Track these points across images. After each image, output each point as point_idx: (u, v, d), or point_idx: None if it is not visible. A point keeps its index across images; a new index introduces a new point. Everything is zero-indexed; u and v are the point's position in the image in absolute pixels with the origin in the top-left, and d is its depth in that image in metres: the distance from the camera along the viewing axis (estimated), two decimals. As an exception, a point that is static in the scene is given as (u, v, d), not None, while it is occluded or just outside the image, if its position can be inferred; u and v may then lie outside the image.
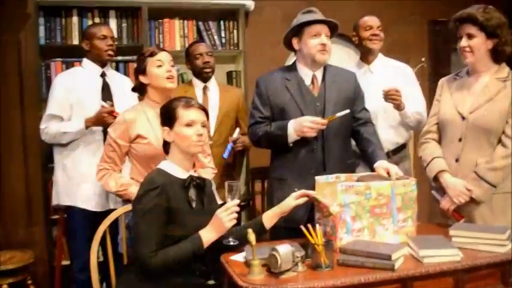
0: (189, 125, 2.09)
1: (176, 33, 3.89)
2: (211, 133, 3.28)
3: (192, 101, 2.15)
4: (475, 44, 2.45)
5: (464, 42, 2.47)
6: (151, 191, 1.98)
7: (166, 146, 2.18)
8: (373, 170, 2.58)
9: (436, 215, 2.67)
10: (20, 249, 3.61)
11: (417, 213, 2.36)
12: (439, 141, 2.65)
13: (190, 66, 3.43)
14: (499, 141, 2.45)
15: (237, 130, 3.29)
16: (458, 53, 2.55)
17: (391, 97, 2.96)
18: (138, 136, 2.46)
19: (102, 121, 2.87)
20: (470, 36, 2.45)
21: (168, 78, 2.50)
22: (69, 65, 3.57)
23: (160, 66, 2.50)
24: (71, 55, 3.59)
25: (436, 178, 2.56)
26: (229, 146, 3.21)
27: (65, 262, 3.53)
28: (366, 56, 3.29)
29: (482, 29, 2.42)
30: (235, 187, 2.04)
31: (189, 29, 3.91)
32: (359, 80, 2.87)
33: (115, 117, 2.71)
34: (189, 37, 3.90)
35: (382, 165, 2.50)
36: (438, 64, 4.72)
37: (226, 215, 2.01)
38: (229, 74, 4.07)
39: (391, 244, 2.14)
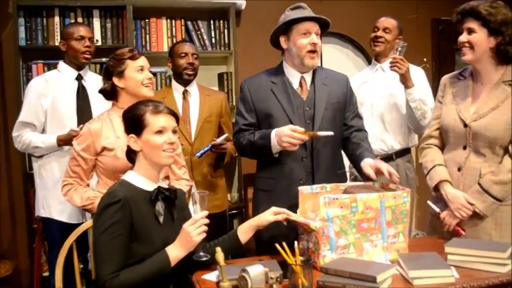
0: (159, 132, 1.91)
1: (164, 34, 3.73)
2: (192, 140, 3.09)
3: (160, 106, 1.97)
4: (475, 40, 2.22)
5: (463, 37, 2.26)
6: (111, 205, 1.80)
7: (131, 155, 2.00)
8: (362, 175, 2.37)
9: (438, 227, 2.44)
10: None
11: (418, 225, 2.16)
12: (442, 147, 2.45)
13: (172, 66, 3.18)
14: (506, 151, 2.24)
15: (224, 135, 3.08)
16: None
17: (396, 65, 2.89)
18: (104, 148, 2.29)
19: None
20: (470, 31, 2.23)
21: (148, 86, 2.35)
22: (51, 67, 3.44)
23: (141, 71, 2.34)
24: (53, 57, 3.43)
25: (436, 188, 2.35)
26: (206, 148, 3.02)
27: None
28: (375, 56, 3.30)
29: (485, 24, 2.20)
30: (203, 197, 1.85)
31: (177, 29, 3.75)
32: (371, 77, 2.74)
33: None
34: (177, 37, 3.73)
35: (369, 162, 2.30)
36: (442, 64, 4.52)
37: (194, 228, 1.82)
38: (220, 76, 3.90)
39: (378, 263, 1.93)
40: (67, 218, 2.86)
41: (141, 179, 1.93)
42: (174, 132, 1.95)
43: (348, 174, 2.75)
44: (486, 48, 2.23)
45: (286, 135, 2.28)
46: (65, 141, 2.78)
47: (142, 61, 2.36)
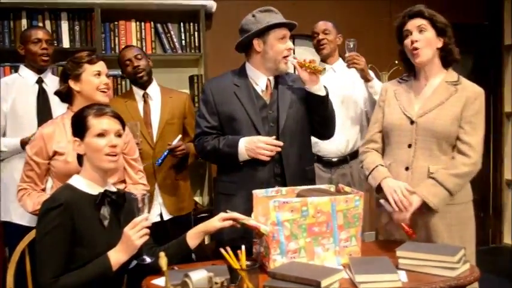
0: (100, 135, 1.89)
1: (133, 36, 3.71)
2: (154, 143, 3.04)
3: (105, 109, 1.95)
4: (427, 38, 2.28)
5: (416, 36, 2.29)
6: (52, 209, 1.79)
7: (80, 158, 1.98)
8: None
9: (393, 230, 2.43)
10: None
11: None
12: (381, 152, 2.47)
13: (126, 75, 3.16)
14: (453, 148, 2.29)
15: (178, 137, 3.03)
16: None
17: (353, 61, 2.91)
18: (56, 153, 2.27)
19: None
20: (421, 30, 2.29)
21: (103, 91, 2.33)
22: (18, 70, 3.38)
23: (98, 76, 2.33)
24: (20, 60, 3.37)
25: (379, 188, 2.33)
26: (164, 153, 2.98)
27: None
28: (324, 59, 3.30)
29: (433, 24, 2.28)
30: (145, 200, 1.82)
31: (146, 32, 3.73)
32: (322, 80, 2.71)
33: None
34: (147, 40, 3.72)
35: None
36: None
37: (135, 231, 1.80)
38: (191, 79, 3.88)
39: (327, 268, 1.92)
40: (28, 221, 2.81)
41: (86, 182, 1.91)
42: (119, 136, 1.93)
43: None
44: (435, 48, 2.31)
45: (260, 148, 2.33)
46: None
47: (100, 66, 2.34)
